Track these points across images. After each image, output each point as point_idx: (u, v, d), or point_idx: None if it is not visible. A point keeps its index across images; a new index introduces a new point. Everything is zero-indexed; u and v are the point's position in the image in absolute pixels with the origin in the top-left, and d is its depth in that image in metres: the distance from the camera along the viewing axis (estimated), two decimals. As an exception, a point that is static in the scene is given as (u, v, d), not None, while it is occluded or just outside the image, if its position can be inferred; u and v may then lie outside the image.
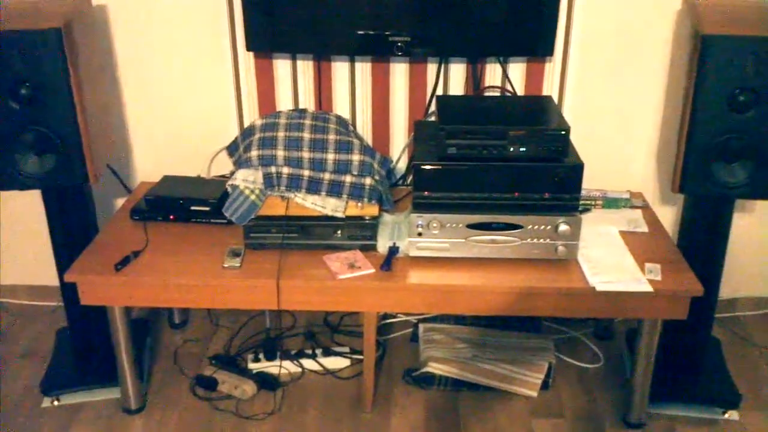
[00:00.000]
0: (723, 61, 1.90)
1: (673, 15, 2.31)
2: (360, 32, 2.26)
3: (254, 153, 2.14)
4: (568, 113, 2.48)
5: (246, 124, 2.49)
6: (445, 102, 2.28)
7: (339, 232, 2.13)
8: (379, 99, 2.49)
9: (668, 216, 2.58)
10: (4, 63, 1.92)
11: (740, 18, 1.98)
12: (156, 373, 2.48)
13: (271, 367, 2.45)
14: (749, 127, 1.95)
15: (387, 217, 2.25)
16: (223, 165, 2.44)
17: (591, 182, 2.37)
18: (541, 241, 2.05)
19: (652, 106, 2.45)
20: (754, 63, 1.89)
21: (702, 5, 2.02)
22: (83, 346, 2.41)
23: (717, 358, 2.46)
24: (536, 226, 2.03)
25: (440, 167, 2.02)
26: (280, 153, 2.14)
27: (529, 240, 2.05)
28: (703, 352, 2.35)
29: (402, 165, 2.57)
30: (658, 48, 2.37)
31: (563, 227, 2.02)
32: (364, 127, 2.54)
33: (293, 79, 2.48)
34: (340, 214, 2.12)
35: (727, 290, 2.68)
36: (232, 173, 2.18)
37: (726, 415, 2.28)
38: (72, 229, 2.24)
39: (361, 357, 2.36)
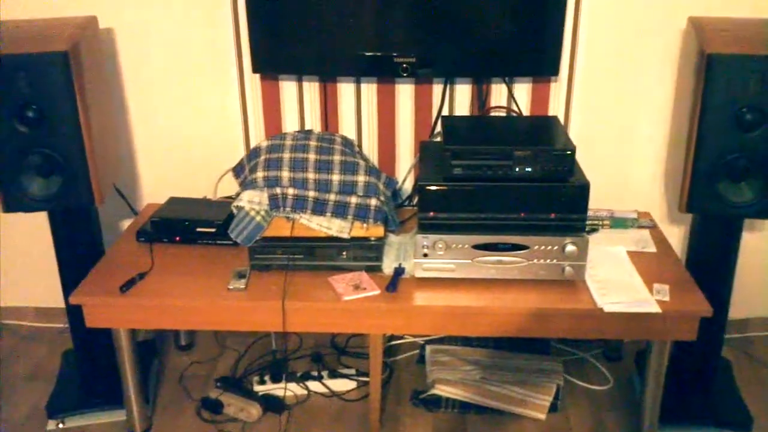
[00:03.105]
0: (729, 80, 1.90)
1: (678, 34, 2.30)
2: (366, 54, 2.27)
3: (260, 174, 2.14)
4: (575, 133, 2.47)
5: (252, 146, 2.50)
6: (451, 122, 2.28)
7: (344, 253, 2.13)
8: (384, 120, 2.49)
9: (676, 236, 2.56)
10: (11, 86, 1.94)
11: (746, 37, 1.97)
12: (162, 395, 2.47)
13: (277, 389, 2.43)
14: (756, 145, 1.94)
15: (392, 238, 2.24)
16: (229, 186, 2.44)
17: (598, 202, 2.37)
18: (548, 261, 2.03)
19: (658, 125, 2.44)
20: (760, 82, 1.89)
21: (707, 24, 2.02)
22: (89, 369, 2.40)
23: (728, 379, 2.43)
24: (543, 247, 2.02)
25: (446, 188, 2.01)
26: (286, 174, 2.14)
27: (535, 261, 2.04)
28: (713, 373, 2.32)
29: (408, 185, 2.57)
30: (663, 67, 2.37)
31: (570, 248, 2.01)
32: (370, 147, 2.54)
33: (299, 101, 2.49)
34: (345, 235, 2.12)
35: (738, 311, 2.65)
36: (238, 194, 2.18)
37: (738, 438, 2.25)
38: (78, 251, 2.24)
39: (367, 379, 2.35)
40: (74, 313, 2.19)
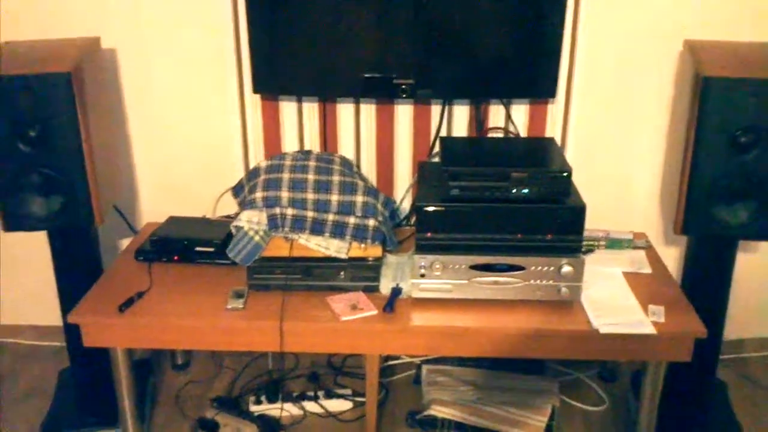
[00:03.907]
0: (724, 102, 1.92)
1: (674, 56, 2.33)
2: (365, 75, 2.29)
3: (259, 194, 2.15)
4: (571, 154, 2.49)
5: (252, 166, 2.51)
6: (449, 143, 2.30)
7: (342, 273, 2.14)
8: (383, 140, 2.51)
9: (672, 257, 2.58)
10: (14, 106, 1.95)
11: (741, 60, 2.00)
12: (157, 414, 2.46)
13: (273, 409, 2.43)
14: (751, 167, 1.96)
15: (390, 258, 2.26)
16: (229, 206, 2.46)
17: (594, 223, 2.38)
18: (545, 282, 2.05)
19: (654, 147, 2.47)
20: (755, 104, 1.91)
21: (703, 47, 2.05)
22: (85, 387, 2.40)
23: (723, 400, 2.43)
24: (539, 268, 2.03)
25: (443, 209, 2.02)
26: (285, 194, 2.15)
27: (532, 281, 2.05)
28: (708, 394, 2.33)
29: (406, 205, 2.58)
30: (659, 89, 2.40)
31: (566, 269, 2.02)
32: (369, 168, 2.55)
33: (299, 121, 2.51)
34: (343, 255, 2.13)
35: (733, 331, 2.66)
36: (237, 214, 2.19)
37: (733, 460, 2.25)
38: (77, 270, 2.24)
39: (363, 399, 2.35)
40: (72, 331, 2.19)
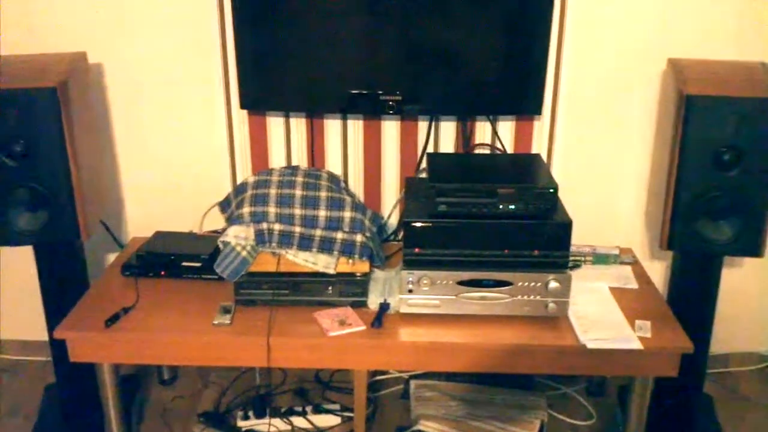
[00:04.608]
0: (707, 120, 1.94)
1: (658, 75, 2.35)
2: (352, 91, 2.30)
3: (246, 210, 2.15)
4: (557, 170, 2.51)
5: (239, 181, 2.51)
6: (436, 159, 2.31)
7: (330, 288, 2.14)
8: (370, 156, 2.52)
9: (658, 272, 2.59)
10: (0, 120, 1.94)
11: (724, 79, 2.02)
12: (144, 430, 2.45)
13: (261, 424, 2.42)
14: (734, 184, 1.98)
15: (378, 274, 2.26)
16: (216, 221, 2.45)
17: (580, 238, 2.39)
18: (532, 297, 2.05)
19: (639, 164, 2.48)
20: (737, 123, 1.93)
21: (686, 66, 2.07)
22: (71, 403, 2.38)
23: (709, 415, 2.44)
24: (526, 283, 2.04)
25: (431, 224, 2.03)
26: (272, 210, 2.15)
27: (519, 297, 2.05)
28: (695, 408, 2.34)
29: (393, 221, 2.59)
30: (644, 107, 2.42)
31: (553, 284, 2.03)
32: (356, 183, 2.56)
33: (286, 137, 2.51)
34: (331, 271, 2.13)
35: (720, 346, 2.68)
36: (224, 229, 2.19)
37: (720, 474, 2.26)
38: (63, 285, 2.23)
39: (351, 414, 2.34)
40: (58, 346, 2.17)
